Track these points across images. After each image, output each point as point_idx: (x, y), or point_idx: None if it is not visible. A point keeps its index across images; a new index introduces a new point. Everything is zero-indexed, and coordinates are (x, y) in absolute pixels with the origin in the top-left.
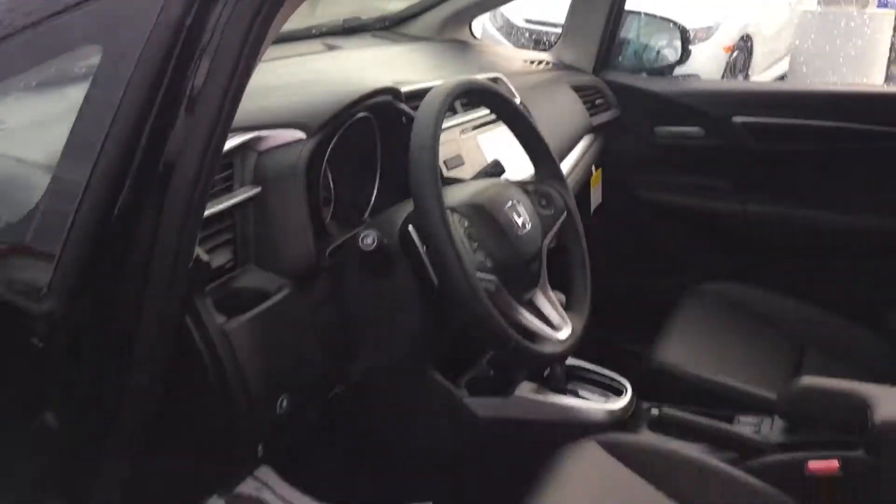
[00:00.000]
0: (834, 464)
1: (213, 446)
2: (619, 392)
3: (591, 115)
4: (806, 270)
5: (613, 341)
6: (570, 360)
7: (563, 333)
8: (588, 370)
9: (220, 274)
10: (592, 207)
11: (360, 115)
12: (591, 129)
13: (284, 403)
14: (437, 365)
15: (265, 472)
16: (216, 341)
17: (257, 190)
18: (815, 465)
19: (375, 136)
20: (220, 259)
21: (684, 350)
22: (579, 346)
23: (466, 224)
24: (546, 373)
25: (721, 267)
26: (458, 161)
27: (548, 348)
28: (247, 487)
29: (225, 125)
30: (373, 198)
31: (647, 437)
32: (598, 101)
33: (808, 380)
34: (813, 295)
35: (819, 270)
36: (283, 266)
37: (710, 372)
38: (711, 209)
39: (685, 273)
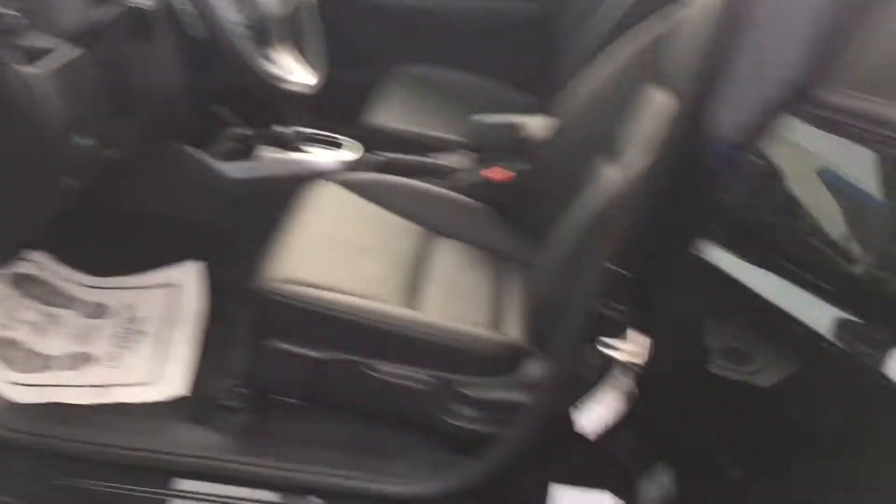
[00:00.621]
0: (508, 173)
1: (27, 174)
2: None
3: None
4: (479, 50)
5: (336, 116)
6: (301, 128)
7: (310, 79)
8: (316, 133)
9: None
10: None
11: None
12: None
13: (81, 143)
14: (188, 140)
15: (40, 256)
16: (18, 82)
17: None
18: (494, 174)
19: None
20: (9, 21)
21: (393, 113)
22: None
23: None
24: (281, 136)
25: (414, 52)
26: None
27: (299, 88)
28: (26, 268)
29: None
30: None
31: (375, 176)
32: None
33: (481, 117)
34: (484, 69)
35: (489, 49)
36: (60, 28)
37: (413, 126)
38: (403, 5)
39: (388, 60)
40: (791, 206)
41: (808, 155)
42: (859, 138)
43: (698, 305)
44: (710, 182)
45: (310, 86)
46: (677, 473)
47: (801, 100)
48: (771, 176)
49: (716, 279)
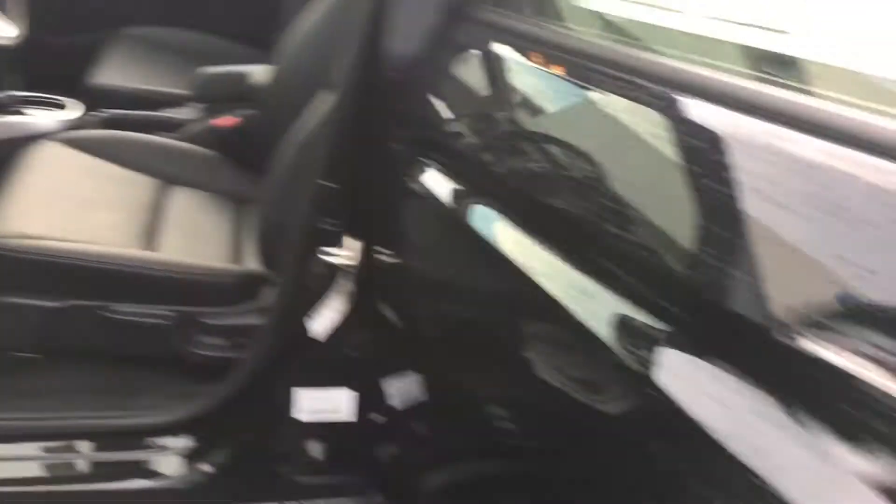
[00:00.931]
0: (234, 119)
1: None
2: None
3: None
4: (203, 8)
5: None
6: (14, 92)
7: (9, 31)
8: (32, 95)
9: None
10: None
11: None
12: None
13: None
14: None
15: None
16: None
17: None
18: (222, 122)
19: None
20: None
21: (118, 72)
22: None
23: None
24: None
25: (137, 13)
26: None
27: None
28: None
29: None
30: None
31: (101, 132)
32: None
33: (205, 69)
34: (209, 27)
35: (213, 7)
36: None
37: (139, 83)
38: None
39: (110, 22)
40: (464, 121)
41: (474, 70)
42: (514, 50)
43: (395, 205)
44: (394, 101)
45: (11, 38)
46: (427, 383)
47: (459, 20)
48: (442, 91)
49: (404, 179)
